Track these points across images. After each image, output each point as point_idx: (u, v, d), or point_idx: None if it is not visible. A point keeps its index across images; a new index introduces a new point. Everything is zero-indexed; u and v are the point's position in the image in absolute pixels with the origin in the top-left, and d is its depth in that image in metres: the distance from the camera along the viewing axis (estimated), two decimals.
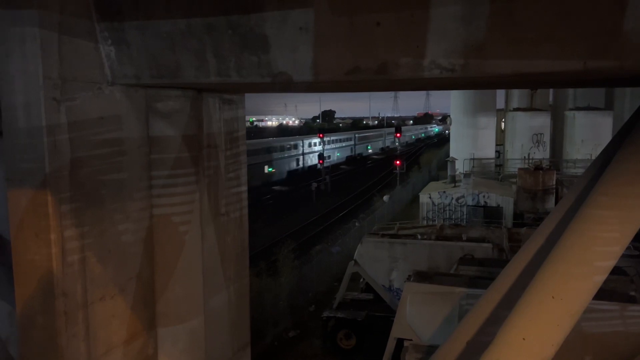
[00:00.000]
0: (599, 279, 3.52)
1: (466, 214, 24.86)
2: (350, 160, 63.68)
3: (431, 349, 8.52)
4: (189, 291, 5.12)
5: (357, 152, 66.65)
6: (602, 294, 6.27)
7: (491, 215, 24.17)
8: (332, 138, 60.63)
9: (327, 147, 54.22)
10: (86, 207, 4.04)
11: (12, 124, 3.75)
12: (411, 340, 9.31)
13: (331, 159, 56.04)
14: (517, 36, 3.20)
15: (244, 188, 6.29)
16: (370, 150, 70.40)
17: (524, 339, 3.57)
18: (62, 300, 3.86)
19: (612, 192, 3.49)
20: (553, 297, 3.52)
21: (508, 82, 4.04)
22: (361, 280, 16.16)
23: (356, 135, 68.53)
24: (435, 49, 3.35)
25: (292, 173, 48.85)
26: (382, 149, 76.68)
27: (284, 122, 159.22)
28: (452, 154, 33.71)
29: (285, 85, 3.87)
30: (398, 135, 43.69)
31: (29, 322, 3.93)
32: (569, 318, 3.55)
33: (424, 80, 3.47)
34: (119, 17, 4.00)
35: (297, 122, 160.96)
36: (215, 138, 5.55)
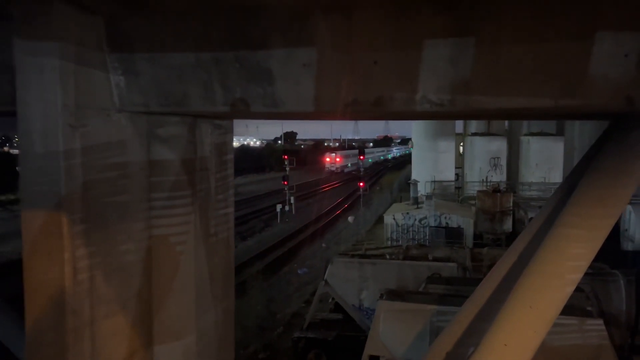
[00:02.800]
0: (570, 289, 3.99)
1: (429, 235, 25.55)
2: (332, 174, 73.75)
3: None
4: (184, 309, 5.31)
5: None
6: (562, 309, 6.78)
7: (452, 235, 24.92)
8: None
9: None
10: (94, 227, 4.23)
11: (29, 149, 3.94)
12: (384, 357, 9.62)
13: None
14: (499, 76, 3.67)
15: (231, 209, 6.54)
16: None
17: (505, 344, 3.98)
18: (71, 317, 4.02)
19: (580, 213, 3.98)
20: (530, 307, 3.96)
21: (490, 115, 4.52)
22: (330, 300, 16.40)
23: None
24: (426, 86, 3.77)
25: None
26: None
27: (245, 142, 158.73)
28: (414, 176, 34.67)
29: (287, 114, 4.22)
30: (362, 157, 44.96)
31: (38, 339, 4.05)
32: (545, 325, 4.00)
33: (415, 112, 3.89)
34: (129, 49, 4.27)
35: (258, 143, 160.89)
36: (207, 162, 5.81)
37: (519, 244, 4.89)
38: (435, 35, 3.70)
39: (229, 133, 6.35)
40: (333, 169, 73.75)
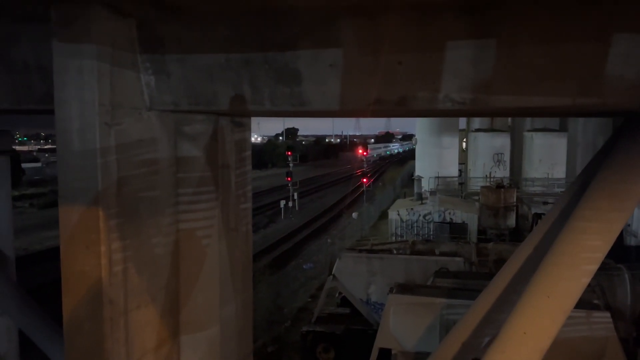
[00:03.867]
0: (586, 280, 4.18)
1: (433, 230, 25.73)
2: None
3: (418, 357, 9.05)
4: (208, 301, 5.50)
5: None
6: None
7: (457, 231, 25.10)
8: None
9: None
10: (128, 221, 4.41)
11: (67, 147, 4.10)
12: (395, 349, 9.81)
13: None
14: (518, 76, 3.83)
15: (249, 205, 6.72)
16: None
17: (525, 332, 4.16)
18: (108, 307, 4.20)
19: (594, 207, 4.15)
20: (548, 297, 4.14)
21: (510, 113, 4.69)
22: (337, 295, 16.62)
23: None
24: (448, 85, 3.93)
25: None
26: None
27: None
28: (417, 172, 34.82)
29: (312, 113, 4.38)
30: (365, 154, 45.18)
31: (76, 329, 4.23)
32: (562, 314, 4.19)
33: (438, 111, 4.05)
34: (160, 50, 4.43)
35: (259, 139, 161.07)
36: (228, 158, 5.98)
37: (533, 238, 5.07)
38: (457, 37, 3.86)
39: (248, 130, 6.52)
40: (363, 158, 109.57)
